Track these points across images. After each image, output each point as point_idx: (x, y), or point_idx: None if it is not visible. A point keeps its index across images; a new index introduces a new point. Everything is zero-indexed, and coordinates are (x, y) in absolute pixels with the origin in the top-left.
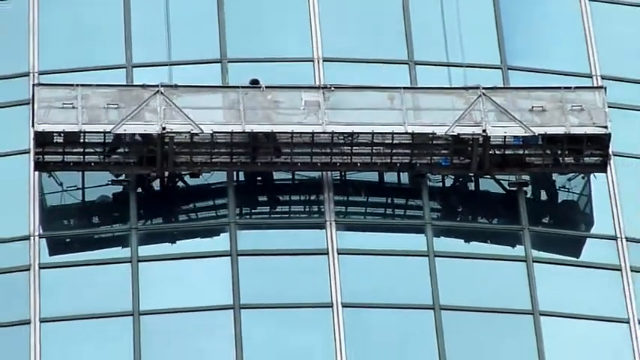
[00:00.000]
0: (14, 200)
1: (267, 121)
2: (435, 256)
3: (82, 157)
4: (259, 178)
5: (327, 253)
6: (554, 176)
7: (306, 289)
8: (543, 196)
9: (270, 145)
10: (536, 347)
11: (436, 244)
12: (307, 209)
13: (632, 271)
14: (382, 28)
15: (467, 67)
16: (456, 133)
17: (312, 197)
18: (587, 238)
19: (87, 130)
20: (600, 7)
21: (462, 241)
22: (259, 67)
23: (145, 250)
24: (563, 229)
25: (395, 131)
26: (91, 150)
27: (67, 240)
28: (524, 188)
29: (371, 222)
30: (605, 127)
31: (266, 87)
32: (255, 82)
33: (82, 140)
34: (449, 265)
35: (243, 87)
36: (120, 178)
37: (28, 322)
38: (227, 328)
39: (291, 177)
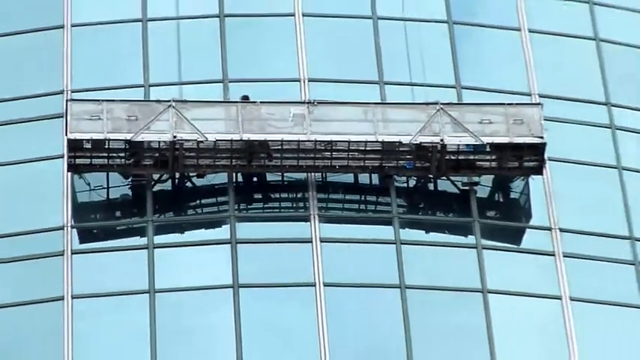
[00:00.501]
0: (51, 197)
1: (261, 131)
2: (401, 243)
3: (106, 160)
4: (254, 179)
5: (311, 241)
6: (500, 178)
7: (294, 271)
8: (491, 194)
9: (263, 151)
10: (485, 319)
11: (402, 234)
12: (294, 205)
13: (563, 256)
14: (357, 54)
15: (427, 86)
16: (418, 142)
17: (299, 195)
18: (527, 229)
19: (111, 138)
20: (538, 37)
21: (423, 232)
22: (255, 86)
23: (159, 239)
24: (507, 221)
25: (367, 140)
26: (114, 155)
27: (94, 230)
28: (475, 187)
29: (347, 215)
30: (542, 137)
31: (260, 102)
32: (245, 98)
33: (106, 147)
34: (412, 251)
35: (241, 102)
36: (138, 178)
37: (62, 299)
38: (228, 303)
39: (280, 178)
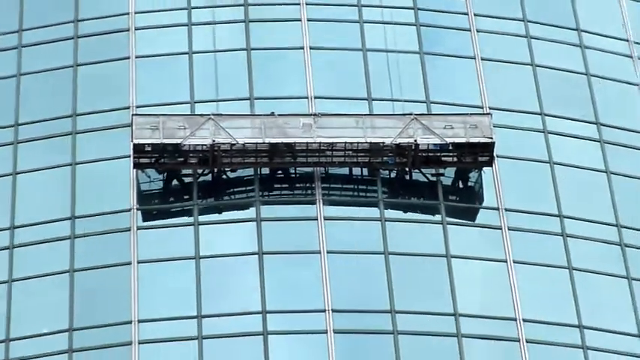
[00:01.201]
0: (121, 187)
1: (279, 136)
2: (385, 220)
3: (162, 159)
4: (274, 172)
5: (317, 219)
6: (460, 170)
7: (304, 241)
8: (453, 182)
9: (280, 151)
10: (449, 277)
11: (385, 214)
12: (304, 192)
13: (508, 229)
14: (350, 77)
15: (404, 101)
16: (397, 143)
17: (307, 184)
18: (480, 209)
19: (165, 143)
20: (489, 64)
21: (402, 212)
22: (274, 102)
23: (202, 218)
24: (465, 203)
25: (359, 142)
26: (168, 155)
27: (154, 212)
28: (440, 178)
29: (344, 199)
30: (491, 138)
31: (278, 114)
32: (272, 114)
33: (162, 149)
34: (394, 227)
35: (264, 115)
36: (187, 173)
37: (129, 263)
38: (254, 266)
39: (294, 171)
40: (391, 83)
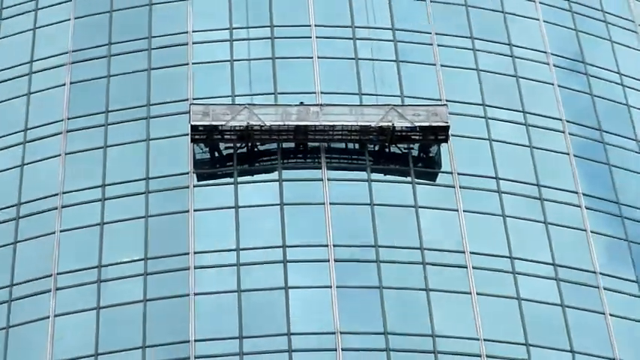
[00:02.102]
0: (181, 156)
1: (295, 120)
2: (371, 181)
3: (211, 136)
4: (292, 146)
5: (322, 180)
6: (424, 145)
7: (312, 195)
8: (419, 154)
9: (296, 131)
10: (416, 220)
11: (372, 176)
12: (313, 159)
13: (460, 187)
14: (347, 78)
15: (385, 95)
16: (380, 125)
17: (315, 154)
18: (439, 173)
19: (213, 124)
20: (446, 70)
21: (382, 174)
22: (292, 96)
23: (240, 179)
24: (428, 168)
25: (352, 124)
26: (216, 133)
27: (205, 174)
28: (410, 151)
29: (342, 165)
30: (447, 122)
31: (293, 104)
32: (301, 104)
33: (211, 129)
34: (377, 185)
35: (285, 105)
36: (229, 146)
37: (187, 211)
38: (277, 213)
39: (304, 146)
40: (375, 83)
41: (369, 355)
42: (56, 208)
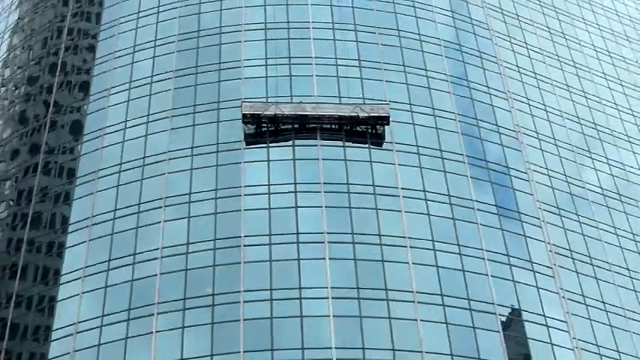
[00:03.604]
0: (237, 133)
1: (302, 111)
2: (345, 147)
3: (254, 119)
4: (297, 126)
5: (317, 146)
6: (374, 127)
7: (311, 155)
8: (371, 132)
9: (302, 117)
10: (371, 174)
11: (346, 144)
12: (312, 134)
13: (396, 151)
14: (331, 86)
15: (354, 97)
16: (350, 115)
17: (313, 132)
18: (384, 143)
19: (255, 113)
20: (389, 84)
21: (352, 143)
22: (299, 97)
23: (271, 145)
24: (377, 140)
25: (334, 114)
26: (258, 118)
27: (252, 145)
28: (367, 130)
29: (329, 138)
30: (388, 114)
31: (300, 102)
32: (301, 102)
33: (254, 116)
34: (349, 150)
35: (296, 103)
36: (264, 126)
37: (240, 164)
38: (291, 165)
39: (305, 127)
40: (348, 90)
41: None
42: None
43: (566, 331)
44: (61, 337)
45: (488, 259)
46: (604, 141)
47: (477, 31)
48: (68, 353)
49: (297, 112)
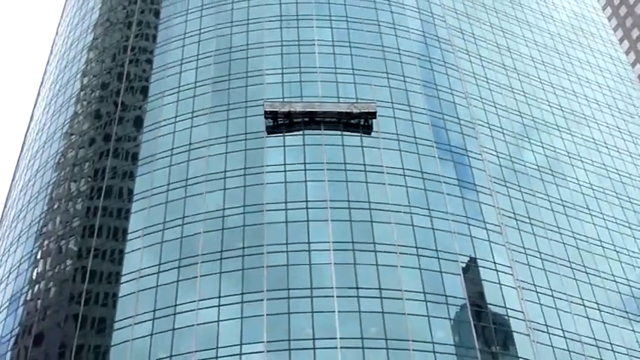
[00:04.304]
0: (260, 125)
1: (311, 109)
2: (343, 136)
3: (273, 115)
4: (307, 120)
5: (321, 135)
6: (365, 120)
7: (316, 141)
8: (363, 123)
9: (311, 114)
10: (362, 153)
11: (344, 133)
12: (318, 126)
13: (381, 138)
14: (332, 88)
15: (350, 98)
16: (347, 111)
17: (318, 124)
18: (372, 132)
19: (274, 110)
20: (375, 88)
21: (349, 132)
22: (308, 98)
23: (287, 135)
24: (367, 129)
25: (335, 111)
26: (274, 114)
27: (270, 136)
28: (360, 122)
29: (330, 129)
30: (375, 110)
31: (309, 102)
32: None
33: (273, 112)
34: (345, 138)
35: (305, 102)
36: (281, 119)
37: (263, 149)
38: (302, 150)
39: (318, 120)
40: (346, 91)
41: None
42: None
43: (511, 274)
44: (128, 281)
45: (451, 220)
46: (539, 130)
47: (443, 47)
48: (134, 293)
49: (306, 109)
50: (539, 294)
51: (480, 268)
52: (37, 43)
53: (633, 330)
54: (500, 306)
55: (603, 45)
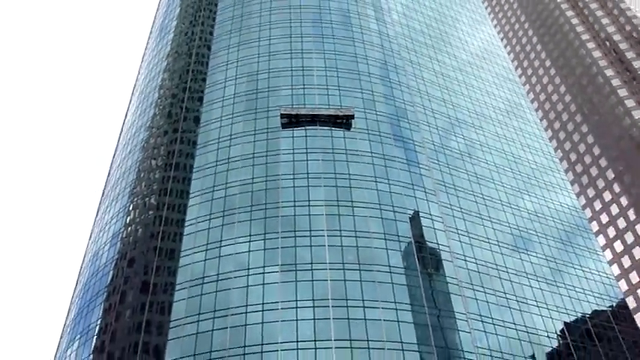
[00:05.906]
0: (277, 122)
1: (313, 112)
2: (332, 129)
3: (287, 115)
4: (308, 119)
5: (317, 129)
6: (347, 120)
7: (314, 134)
8: (346, 121)
9: (312, 116)
10: (344, 145)
11: (332, 128)
12: (315, 124)
13: (357, 130)
14: (322, 96)
15: (341, 106)
16: (336, 114)
17: (315, 122)
18: (351, 128)
19: (287, 112)
20: (354, 97)
21: (337, 129)
22: (313, 106)
23: (295, 129)
24: (348, 127)
25: (325, 113)
26: (288, 115)
27: (284, 128)
28: (343, 121)
29: (323, 126)
30: (353, 114)
31: (309, 108)
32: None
33: (286, 114)
34: (333, 132)
35: (307, 107)
36: (293, 120)
37: (278, 139)
38: (304, 139)
39: (315, 120)
40: (336, 98)
41: None
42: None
43: (441, 222)
44: (190, 224)
45: (402, 186)
46: (461, 127)
47: (398, 72)
48: (193, 233)
49: (308, 113)
50: (460, 234)
51: (421, 218)
52: (130, 64)
53: (521, 259)
54: (433, 242)
55: (503, 72)
